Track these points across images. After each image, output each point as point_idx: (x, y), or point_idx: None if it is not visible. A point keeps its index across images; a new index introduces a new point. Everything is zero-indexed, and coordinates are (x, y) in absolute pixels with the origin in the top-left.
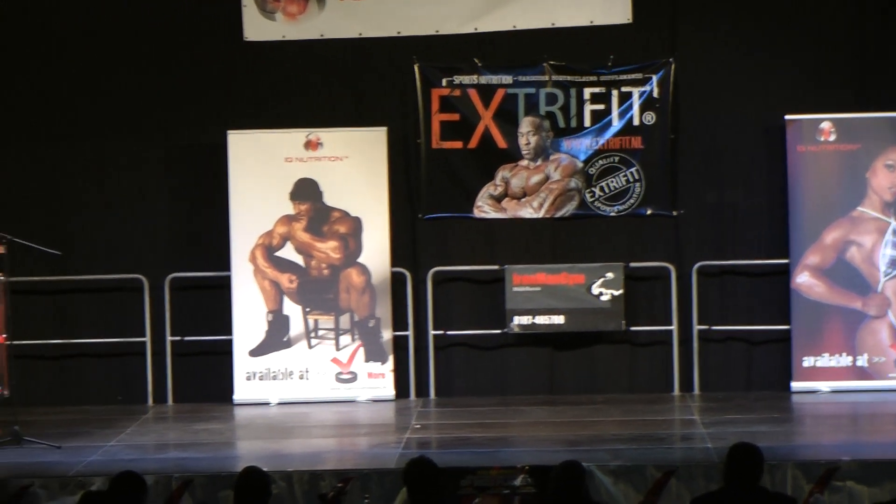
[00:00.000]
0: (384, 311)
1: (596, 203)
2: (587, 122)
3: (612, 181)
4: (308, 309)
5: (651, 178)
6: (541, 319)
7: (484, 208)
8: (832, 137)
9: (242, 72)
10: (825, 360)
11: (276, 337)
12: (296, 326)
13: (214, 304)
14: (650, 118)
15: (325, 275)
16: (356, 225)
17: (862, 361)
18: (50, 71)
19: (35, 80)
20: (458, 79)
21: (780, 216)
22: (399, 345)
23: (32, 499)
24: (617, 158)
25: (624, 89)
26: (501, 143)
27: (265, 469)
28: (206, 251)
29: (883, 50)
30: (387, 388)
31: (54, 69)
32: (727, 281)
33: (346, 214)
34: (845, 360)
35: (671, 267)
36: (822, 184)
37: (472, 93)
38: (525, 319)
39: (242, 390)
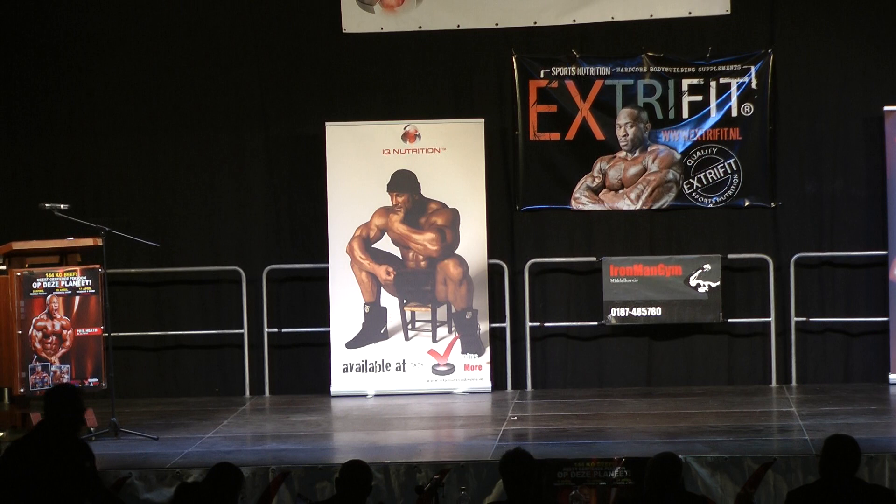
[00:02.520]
0: (481, 302)
1: (694, 194)
2: (685, 114)
3: (710, 172)
4: (405, 301)
5: (749, 170)
6: (638, 311)
7: (581, 200)
8: None
9: (341, 64)
10: None
11: (374, 329)
12: (393, 318)
13: (312, 296)
14: (748, 109)
15: (422, 266)
16: (453, 217)
17: None
18: (151, 64)
19: (136, 72)
20: (555, 70)
21: (879, 207)
22: (496, 336)
23: (130, 490)
24: (715, 150)
25: (722, 80)
26: (599, 134)
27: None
28: (304, 243)
29: None
30: (483, 380)
31: (155, 63)
32: (825, 272)
33: (443, 206)
34: None
35: (769, 258)
36: None
37: (570, 84)
38: (622, 311)
39: (339, 382)
